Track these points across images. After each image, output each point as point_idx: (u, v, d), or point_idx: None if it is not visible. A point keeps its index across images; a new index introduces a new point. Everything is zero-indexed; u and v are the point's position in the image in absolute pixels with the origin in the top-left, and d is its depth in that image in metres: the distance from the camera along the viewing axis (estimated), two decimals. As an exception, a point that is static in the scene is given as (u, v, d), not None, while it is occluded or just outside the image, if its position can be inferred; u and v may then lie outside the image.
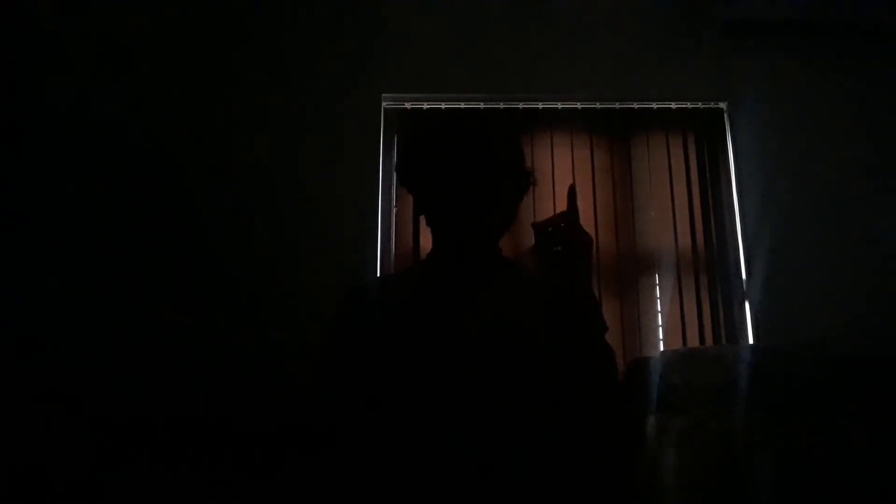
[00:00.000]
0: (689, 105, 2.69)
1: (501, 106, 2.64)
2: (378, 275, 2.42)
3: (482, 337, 1.01)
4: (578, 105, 2.66)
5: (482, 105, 2.62)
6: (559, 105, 2.65)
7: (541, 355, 1.01)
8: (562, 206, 1.06)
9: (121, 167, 2.43)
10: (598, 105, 2.66)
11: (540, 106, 2.65)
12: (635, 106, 2.68)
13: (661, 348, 2.40)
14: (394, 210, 2.53)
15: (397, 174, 1.22)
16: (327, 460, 1.01)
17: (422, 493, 0.93)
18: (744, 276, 2.53)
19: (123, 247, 2.35)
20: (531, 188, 1.17)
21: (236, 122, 2.51)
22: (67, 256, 2.32)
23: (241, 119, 2.52)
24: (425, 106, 2.62)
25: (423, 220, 1.19)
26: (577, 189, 1.05)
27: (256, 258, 2.36)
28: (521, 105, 2.65)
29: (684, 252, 2.54)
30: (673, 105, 2.68)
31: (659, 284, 2.51)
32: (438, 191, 1.08)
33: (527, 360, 1.00)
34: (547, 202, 2.53)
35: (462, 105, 2.61)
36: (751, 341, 2.45)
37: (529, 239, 1.03)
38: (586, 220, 2.52)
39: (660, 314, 2.48)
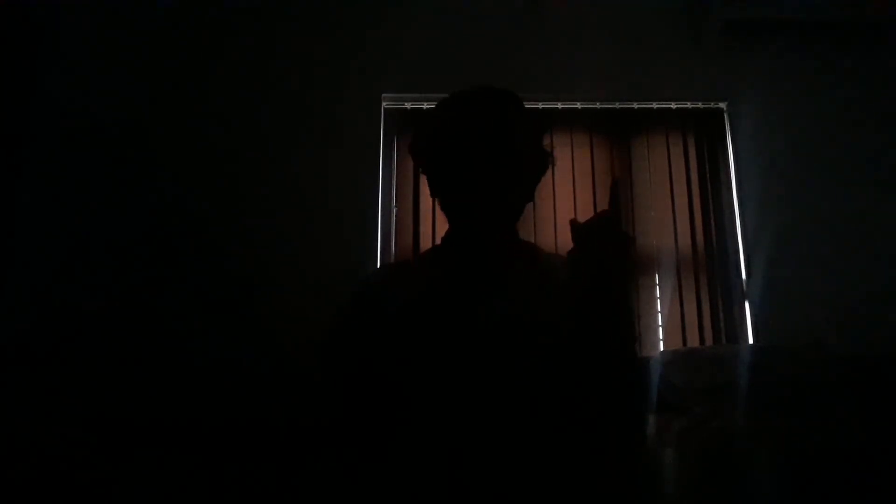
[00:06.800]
0: (689, 105, 2.69)
1: (501, 106, 2.64)
2: (393, 260, 2.41)
3: (500, 322, 0.99)
4: (578, 105, 2.66)
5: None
6: (559, 105, 2.65)
7: (558, 340, 0.99)
8: (564, 205, 1.04)
9: (120, 167, 2.43)
10: (598, 105, 2.66)
11: (540, 106, 2.65)
12: (635, 106, 2.68)
13: (661, 348, 2.40)
14: (394, 210, 2.53)
15: (411, 152, 1.18)
16: (342, 449, 1.00)
17: (437, 483, 0.92)
18: (744, 276, 2.53)
19: (122, 246, 2.35)
20: (550, 168, 1.13)
21: (236, 122, 2.51)
22: (65, 255, 2.32)
23: (240, 119, 2.52)
24: (425, 106, 2.62)
25: (432, 202, 1.14)
26: (577, 189, 1.04)
27: (256, 258, 2.36)
28: (521, 105, 2.65)
29: (684, 252, 2.54)
30: (673, 105, 2.68)
31: (659, 284, 2.51)
32: (455, 172, 1.04)
33: (544, 345, 0.98)
34: (547, 201, 2.53)
35: (462, 105, 2.61)
36: (751, 341, 2.45)
37: (538, 228, 1.01)
38: (586, 219, 2.53)
39: (660, 314, 2.48)
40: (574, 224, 0.98)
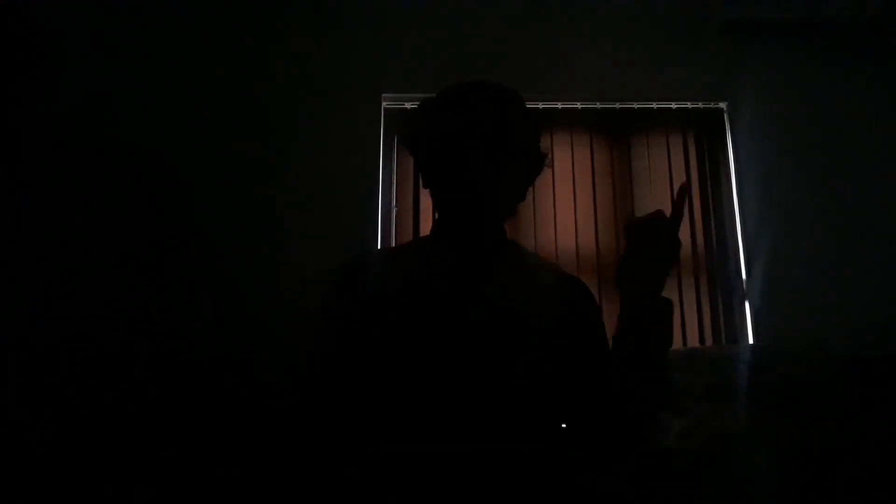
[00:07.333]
0: (689, 105, 2.69)
1: (501, 106, 2.64)
2: (379, 248, 2.41)
3: (482, 318, 0.99)
4: (578, 105, 2.66)
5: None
6: (559, 105, 2.65)
7: (542, 337, 1.00)
8: (564, 205, 1.04)
9: (120, 167, 2.43)
10: (598, 105, 2.66)
11: (540, 106, 2.65)
12: (635, 106, 2.68)
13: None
14: (394, 210, 2.53)
15: (404, 139, 1.17)
16: (324, 442, 0.99)
17: (423, 476, 0.92)
18: (744, 276, 2.53)
19: (123, 246, 2.35)
20: (543, 170, 1.13)
21: (235, 122, 2.51)
22: (65, 254, 2.32)
23: (240, 119, 2.51)
24: (425, 105, 2.62)
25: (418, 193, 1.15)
26: (577, 189, 1.04)
27: (256, 258, 2.36)
28: (521, 105, 2.65)
29: (684, 252, 2.53)
30: (673, 105, 2.68)
31: (659, 284, 2.50)
32: (449, 167, 1.03)
33: (528, 341, 0.99)
34: (547, 201, 2.53)
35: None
36: (751, 341, 2.45)
37: (538, 228, 1.01)
38: (586, 220, 2.54)
39: (660, 314, 2.47)
40: (631, 222, 0.96)
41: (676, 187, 2.56)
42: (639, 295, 0.94)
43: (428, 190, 1.10)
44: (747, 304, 2.50)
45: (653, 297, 0.94)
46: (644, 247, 0.93)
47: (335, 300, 1.06)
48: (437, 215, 1.13)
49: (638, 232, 0.94)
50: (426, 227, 2.48)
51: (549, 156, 1.13)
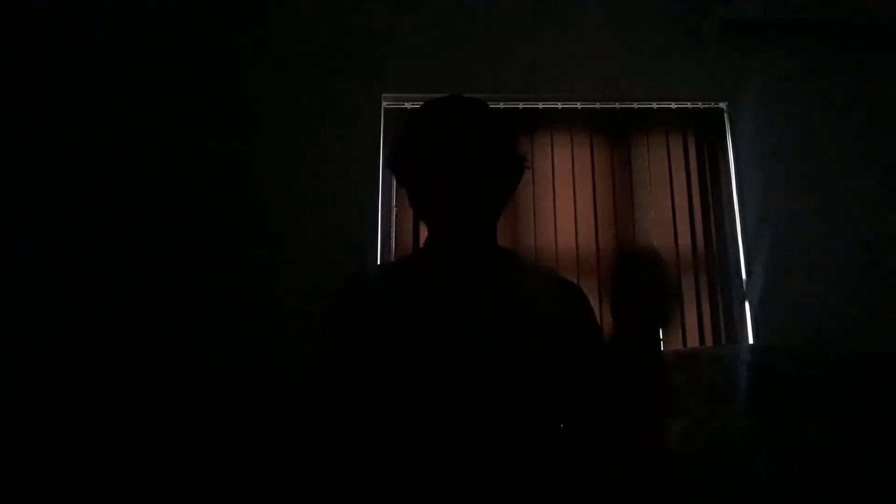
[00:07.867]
0: (689, 105, 2.69)
1: (501, 106, 2.64)
2: (377, 263, 2.41)
3: (480, 325, 1.01)
4: (578, 105, 2.66)
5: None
6: (559, 105, 2.65)
7: (541, 343, 1.00)
8: (564, 205, 1.05)
9: (119, 167, 2.43)
10: (598, 105, 2.66)
11: (540, 106, 2.65)
12: (635, 106, 2.68)
13: (662, 348, 2.40)
14: (394, 210, 2.53)
15: (389, 168, 1.20)
16: (329, 450, 1.01)
17: (424, 486, 0.93)
18: (744, 276, 2.53)
19: (121, 247, 2.35)
20: (525, 173, 1.15)
21: (236, 123, 2.51)
22: (64, 255, 2.32)
23: (240, 119, 2.51)
24: (425, 106, 2.61)
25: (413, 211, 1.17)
26: (577, 189, 1.05)
27: (255, 259, 2.36)
28: (521, 105, 2.65)
29: (684, 252, 2.54)
30: (673, 105, 2.68)
31: (659, 284, 2.50)
32: (430, 183, 1.06)
33: (526, 348, 1.00)
34: (547, 201, 2.53)
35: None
36: (751, 341, 2.45)
37: (538, 228, 1.02)
38: (586, 220, 2.54)
39: (660, 314, 2.47)
40: (623, 255, 1.02)
41: (675, 187, 2.59)
42: (626, 339, 0.97)
43: (416, 211, 1.15)
44: (747, 304, 2.50)
45: (640, 349, 0.97)
46: (635, 287, 0.97)
47: (339, 315, 1.08)
48: (427, 232, 1.16)
49: (629, 267, 0.99)
50: (426, 229, 2.48)
51: (529, 159, 1.15)
